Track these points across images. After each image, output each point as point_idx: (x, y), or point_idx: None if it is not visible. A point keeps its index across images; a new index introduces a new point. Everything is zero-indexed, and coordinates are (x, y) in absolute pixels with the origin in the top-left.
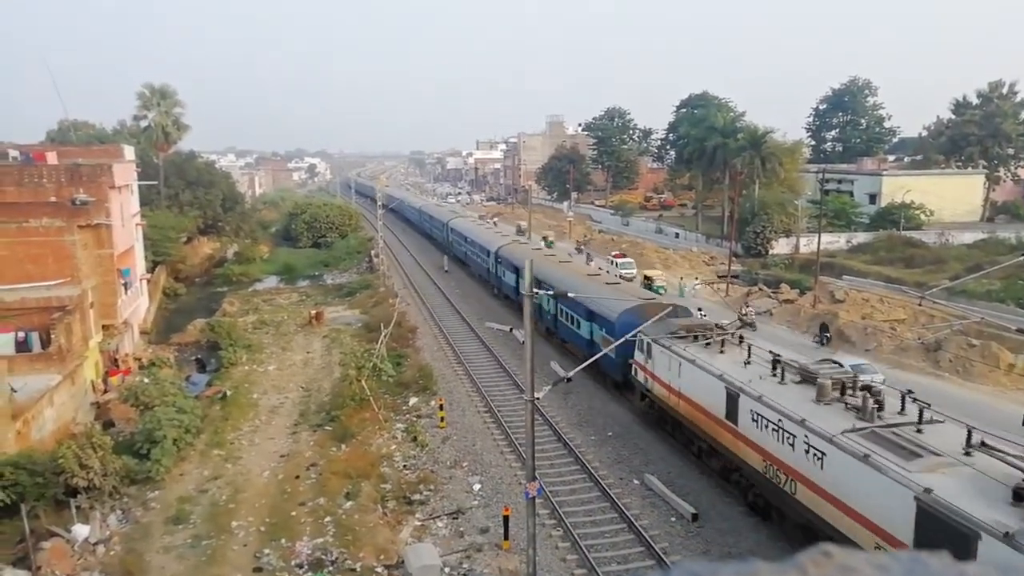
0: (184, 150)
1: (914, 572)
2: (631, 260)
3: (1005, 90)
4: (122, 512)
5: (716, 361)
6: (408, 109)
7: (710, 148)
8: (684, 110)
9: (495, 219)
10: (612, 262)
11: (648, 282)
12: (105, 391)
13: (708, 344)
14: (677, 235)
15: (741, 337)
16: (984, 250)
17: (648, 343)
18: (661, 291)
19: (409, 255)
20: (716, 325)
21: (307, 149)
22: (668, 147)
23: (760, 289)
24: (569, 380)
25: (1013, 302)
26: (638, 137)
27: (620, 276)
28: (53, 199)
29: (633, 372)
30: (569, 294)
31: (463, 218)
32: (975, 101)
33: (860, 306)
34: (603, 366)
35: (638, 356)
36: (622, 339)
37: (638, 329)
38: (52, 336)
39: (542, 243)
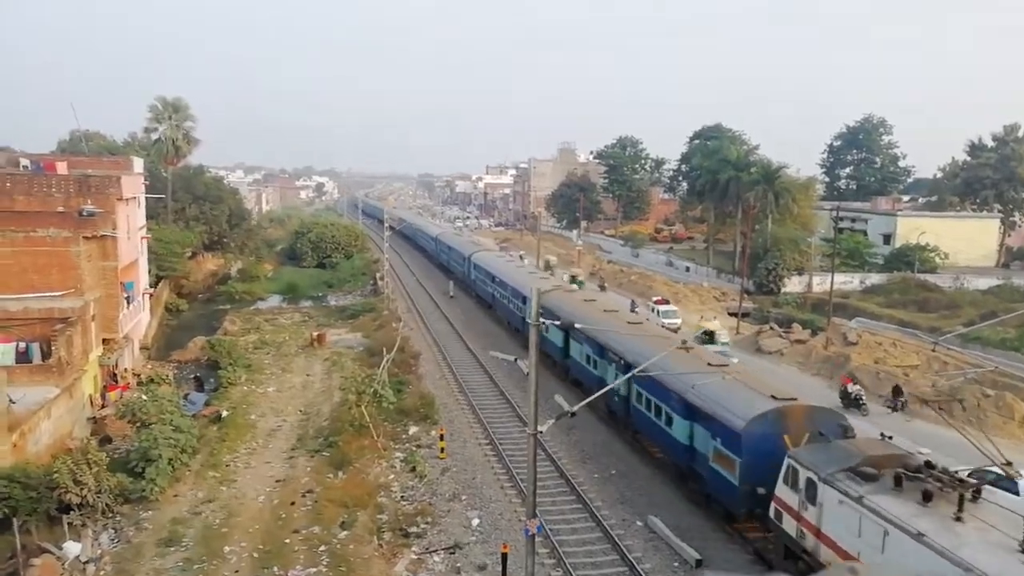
0: (193, 164)
1: None
2: (674, 308)
3: (1021, 133)
4: (114, 531)
5: (962, 541)
6: (419, 131)
7: (723, 181)
8: (697, 141)
9: (522, 254)
10: (653, 309)
11: (707, 337)
12: (103, 406)
13: (926, 497)
14: (688, 269)
15: (976, 491)
16: (999, 296)
17: (811, 481)
18: (727, 348)
19: (414, 278)
20: (934, 468)
21: (316, 167)
22: (680, 178)
23: (771, 328)
24: (573, 415)
25: None
26: (650, 167)
27: (663, 326)
28: (61, 209)
29: (773, 513)
30: (667, 382)
31: (488, 252)
32: (990, 144)
33: (873, 350)
34: (711, 485)
35: (784, 492)
36: (750, 460)
37: (793, 459)
38: (53, 348)
39: (569, 281)
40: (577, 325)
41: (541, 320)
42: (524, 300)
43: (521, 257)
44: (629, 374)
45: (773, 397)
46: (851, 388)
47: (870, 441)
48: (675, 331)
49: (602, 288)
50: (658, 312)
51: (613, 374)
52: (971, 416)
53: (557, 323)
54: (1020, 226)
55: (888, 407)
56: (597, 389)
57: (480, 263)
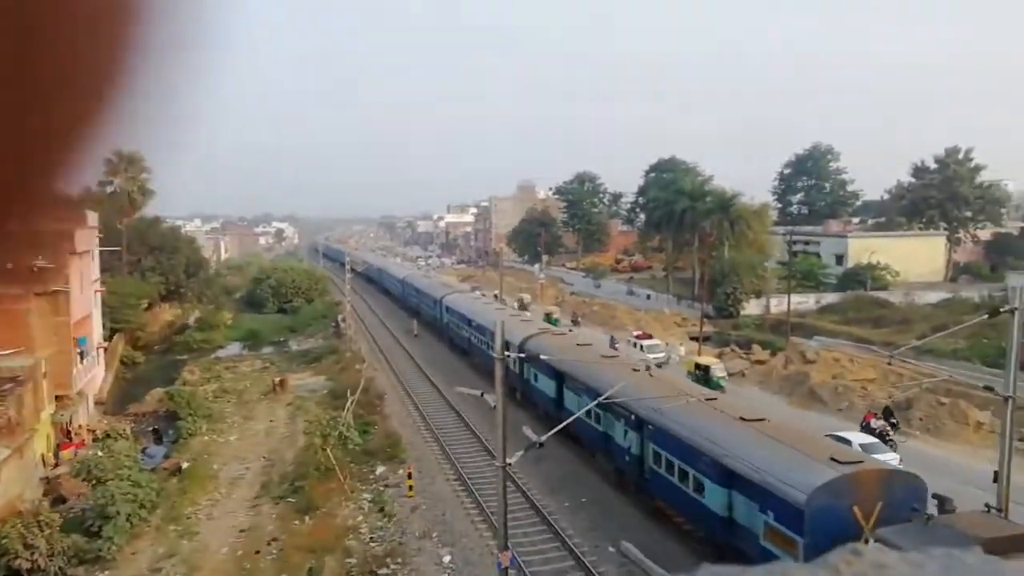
0: (148, 216)
1: (950, 569)
2: (658, 342)
3: (961, 155)
4: None
5: None
6: (377, 173)
7: (679, 211)
8: (653, 174)
9: (496, 294)
10: (635, 344)
11: (700, 372)
12: (56, 465)
13: None
14: (648, 296)
15: None
16: (949, 309)
17: None
18: (722, 384)
19: (377, 318)
20: None
21: (275, 213)
22: (638, 210)
23: (732, 350)
24: (541, 446)
25: (979, 360)
26: (608, 200)
27: (644, 361)
28: (9, 265)
29: None
30: (694, 442)
31: (462, 294)
32: (933, 165)
33: (831, 366)
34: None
35: None
36: (815, 541)
37: (882, 543)
38: (1, 408)
39: (545, 319)
40: (576, 369)
41: (514, 356)
42: (507, 346)
43: (496, 297)
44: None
45: (834, 460)
46: (875, 424)
47: (977, 517)
48: (659, 365)
49: (575, 323)
50: (641, 347)
51: (622, 431)
52: (928, 425)
53: (554, 370)
54: (965, 242)
55: (884, 432)
56: (603, 448)
57: (454, 306)
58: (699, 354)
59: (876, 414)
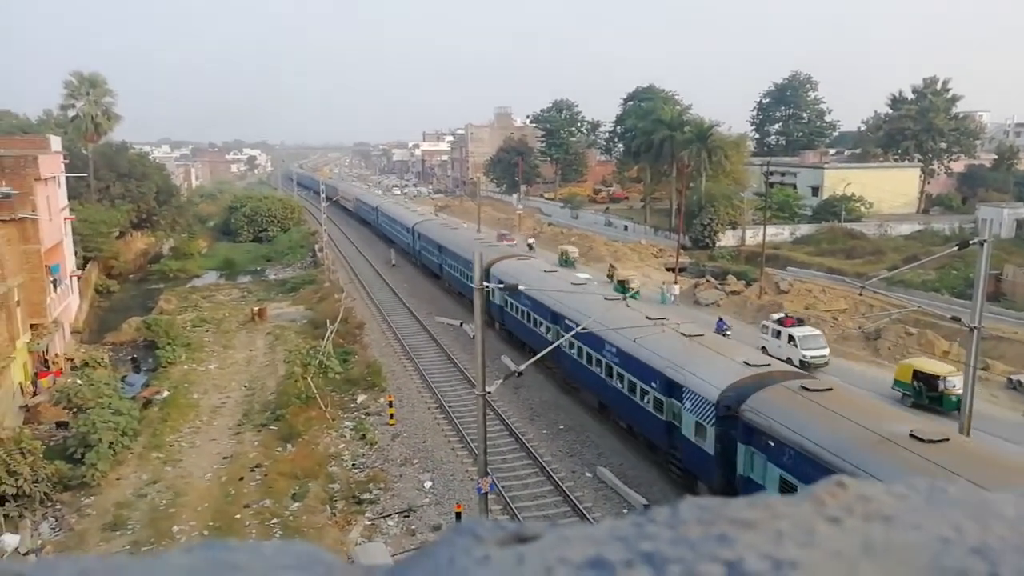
0: (115, 141)
1: (933, 499)
2: (818, 332)
3: (939, 86)
4: (55, 520)
5: None
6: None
7: (657, 141)
8: (631, 103)
9: (531, 242)
10: (776, 332)
11: (621, 286)
12: (35, 393)
13: None
14: (626, 228)
15: None
16: (920, 241)
17: None
18: (636, 297)
19: (355, 249)
20: None
21: (246, 140)
22: (616, 140)
23: (708, 281)
24: (520, 374)
25: (947, 291)
26: (586, 130)
27: (802, 362)
28: None
29: None
30: None
31: (434, 221)
32: (910, 96)
33: (803, 297)
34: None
35: None
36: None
37: None
38: None
39: (560, 260)
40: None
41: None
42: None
43: (530, 247)
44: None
45: (746, 363)
46: (948, 382)
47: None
48: (822, 367)
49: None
50: (791, 339)
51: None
52: (895, 354)
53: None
54: (939, 174)
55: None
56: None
57: (425, 233)
58: (675, 283)
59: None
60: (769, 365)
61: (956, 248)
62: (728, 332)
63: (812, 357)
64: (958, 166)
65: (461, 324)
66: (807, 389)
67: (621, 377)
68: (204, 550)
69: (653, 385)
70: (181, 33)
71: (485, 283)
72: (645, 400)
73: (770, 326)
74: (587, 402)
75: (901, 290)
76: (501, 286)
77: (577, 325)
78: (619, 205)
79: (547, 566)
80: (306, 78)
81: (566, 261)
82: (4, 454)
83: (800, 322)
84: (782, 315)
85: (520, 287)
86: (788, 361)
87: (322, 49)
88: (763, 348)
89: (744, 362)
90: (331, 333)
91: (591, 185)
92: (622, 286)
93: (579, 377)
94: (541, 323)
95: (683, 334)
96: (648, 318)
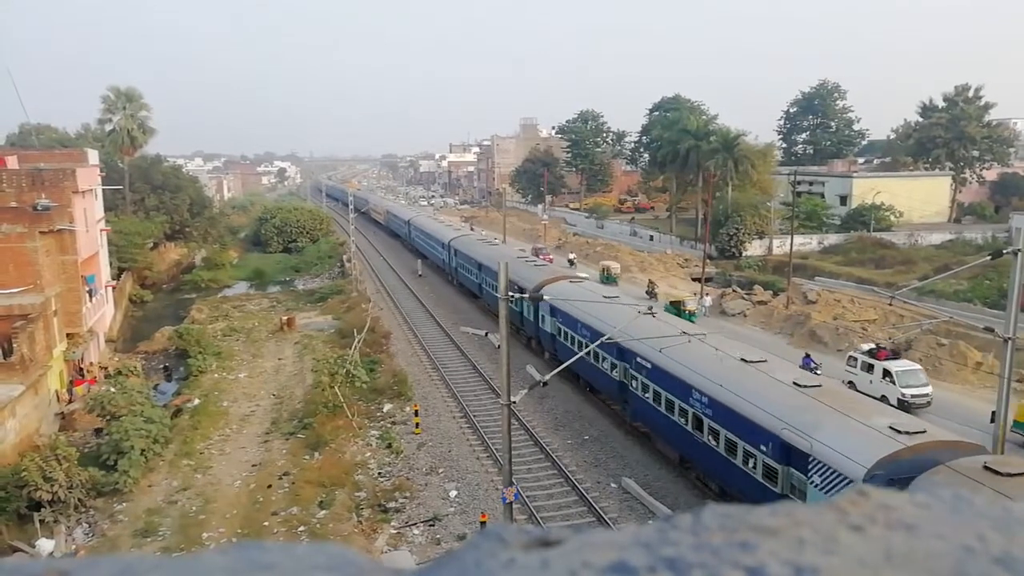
0: (150, 154)
1: (957, 508)
2: (918, 367)
3: (971, 94)
4: (88, 525)
5: None
6: (380, 112)
7: (683, 151)
8: (657, 113)
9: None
10: (868, 365)
11: (674, 307)
12: (70, 401)
13: None
14: (651, 237)
15: None
16: (952, 250)
17: None
18: (693, 319)
19: (382, 259)
20: None
21: (276, 152)
22: (641, 150)
23: (734, 291)
24: (545, 384)
25: (980, 301)
26: (612, 140)
27: (902, 402)
28: (14, 204)
29: None
30: None
31: (471, 236)
32: (941, 104)
33: (832, 307)
34: None
35: None
36: None
37: None
38: (15, 345)
39: (601, 277)
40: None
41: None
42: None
43: (571, 262)
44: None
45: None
46: None
47: None
48: (923, 407)
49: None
50: (887, 375)
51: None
52: (927, 365)
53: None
54: (970, 182)
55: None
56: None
57: (491, 265)
58: (702, 295)
59: None
60: (925, 432)
61: (989, 257)
62: (818, 371)
63: (913, 396)
64: (991, 174)
65: (486, 334)
66: (995, 472)
67: (715, 433)
68: (239, 550)
69: (763, 448)
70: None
71: (540, 314)
72: (750, 465)
73: (859, 358)
74: (665, 454)
75: (932, 300)
76: (551, 315)
77: (650, 364)
78: (644, 215)
79: (571, 570)
80: (336, 94)
81: (607, 278)
82: (41, 460)
83: (896, 354)
84: (873, 346)
85: (576, 315)
86: (883, 399)
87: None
88: (850, 383)
89: (891, 427)
90: (358, 342)
91: (616, 195)
92: (676, 308)
93: (653, 422)
94: (606, 359)
95: (796, 384)
96: (744, 360)
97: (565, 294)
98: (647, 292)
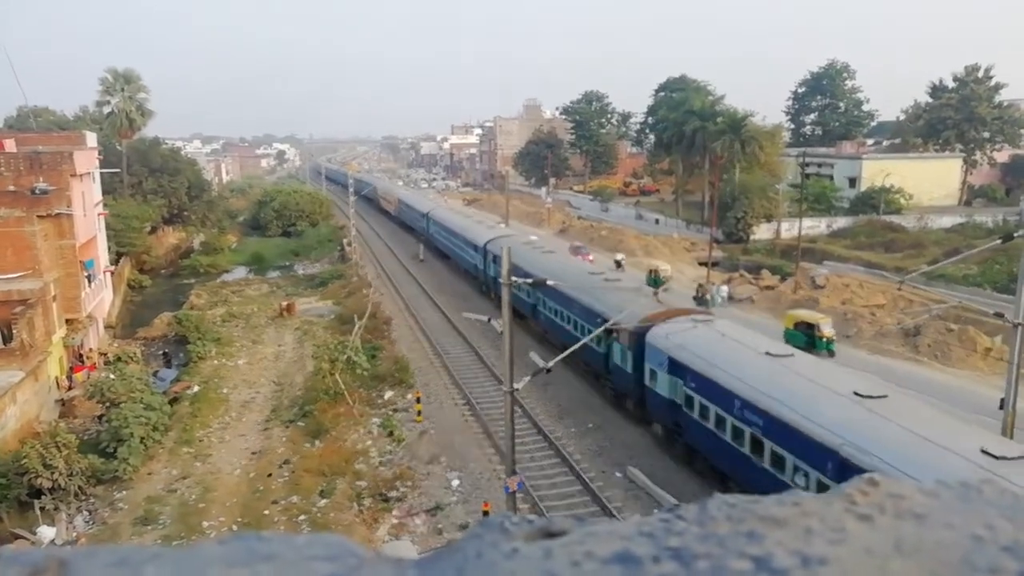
0: (148, 136)
1: (966, 498)
2: None
3: (981, 74)
4: (88, 513)
5: None
6: (380, 93)
7: (689, 132)
8: (663, 94)
9: (620, 260)
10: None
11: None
12: (70, 387)
13: None
14: (657, 221)
15: None
16: (962, 234)
17: None
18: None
19: (383, 243)
20: None
21: (275, 135)
22: (647, 131)
23: (741, 275)
24: (548, 371)
25: (990, 286)
26: (616, 121)
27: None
28: (12, 188)
29: None
30: None
31: (515, 239)
32: (951, 85)
33: (840, 292)
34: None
35: None
36: None
37: None
38: (14, 331)
39: (649, 280)
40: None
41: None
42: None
43: (619, 264)
44: None
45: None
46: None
47: None
48: None
49: (619, 266)
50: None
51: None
52: (936, 351)
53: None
54: (981, 164)
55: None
56: None
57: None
58: (708, 280)
59: None
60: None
61: (1000, 241)
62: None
63: None
64: (1002, 156)
65: (489, 320)
66: None
67: (758, 445)
68: (238, 541)
69: (824, 467)
70: (215, 31)
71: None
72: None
73: None
74: (706, 473)
75: (942, 285)
76: (669, 372)
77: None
78: (650, 198)
79: (574, 560)
80: (336, 75)
81: (655, 281)
82: (41, 448)
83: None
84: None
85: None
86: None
87: (355, 53)
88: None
89: (983, 450)
90: (359, 328)
91: (621, 178)
92: (806, 334)
93: (703, 442)
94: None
95: (857, 394)
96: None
97: (694, 342)
98: (695, 297)
